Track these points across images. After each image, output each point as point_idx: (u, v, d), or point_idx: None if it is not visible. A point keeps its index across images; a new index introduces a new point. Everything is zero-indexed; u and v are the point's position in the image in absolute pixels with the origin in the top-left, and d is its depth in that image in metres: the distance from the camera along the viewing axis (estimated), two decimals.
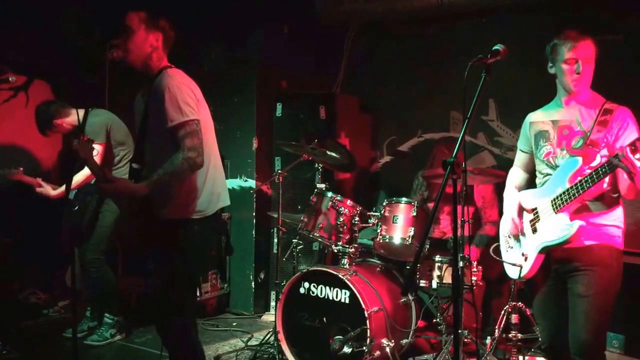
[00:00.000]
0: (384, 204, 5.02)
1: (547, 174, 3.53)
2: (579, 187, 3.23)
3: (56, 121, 5.38)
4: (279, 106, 6.52)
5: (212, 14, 6.41)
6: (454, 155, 2.79)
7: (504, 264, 3.75)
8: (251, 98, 6.57)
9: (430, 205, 5.69)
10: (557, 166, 3.47)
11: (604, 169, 3.13)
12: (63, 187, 5.46)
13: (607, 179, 3.27)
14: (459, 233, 3.25)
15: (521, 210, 3.63)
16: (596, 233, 3.35)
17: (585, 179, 3.20)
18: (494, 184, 5.44)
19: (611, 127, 3.35)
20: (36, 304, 6.12)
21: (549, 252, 3.47)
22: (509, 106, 5.87)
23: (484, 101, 5.94)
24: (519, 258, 3.59)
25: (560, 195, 3.33)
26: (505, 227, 3.78)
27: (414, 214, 4.87)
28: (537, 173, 3.65)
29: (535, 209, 3.52)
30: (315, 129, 6.22)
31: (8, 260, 5.91)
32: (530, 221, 3.55)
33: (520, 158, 3.87)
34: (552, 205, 3.38)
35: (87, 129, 5.18)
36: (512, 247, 3.71)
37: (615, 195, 3.39)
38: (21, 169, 5.49)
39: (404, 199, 4.99)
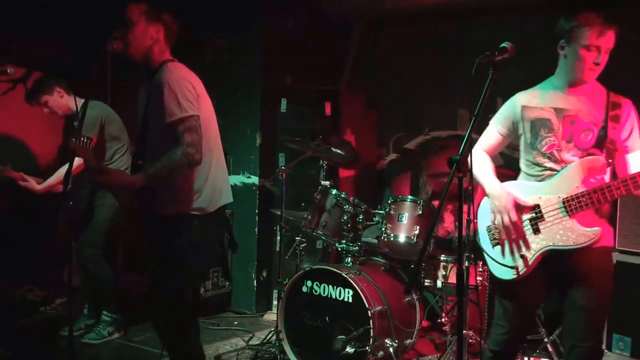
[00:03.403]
0: (389, 201, 4.97)
1: (550, 169, 3.28)
2: (609, 194, 3.09)
3: (43, 97, 5.26)
4: (283, 101, 6.46)
5: (215, 7, 6.35)
6: (460, 153, 2.73)
7: (492, 262, 3.41)
8: (255, 93, 6.50)
9: (435, 203, 5.63)
10: (562, 160, 3.26)
11: None
12: (48, 181, 5.40)
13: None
14: (464, 232, 3.16)
15: (517, 205, 3.31)
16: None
17: (618, 186, 3.07)
18: None
19: (622, 123, 3.23)
20: (33, 301, 6.08)
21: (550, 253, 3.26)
22: None
23: (491, 99, 5.87)
24: (510, 257, 3.33)
25: (578, 197, 3.14)
26: (485, 219, 3.46)
27: (420, 212, 4.82)
28: (529, 163, 3.39)
29: (538, 206, 3.28)
30: (320, 125, 6.17)
31: (4, 256, 5.86)
32: (531, 220, 3.28)
33: (492, 140, 3.56)
34: (566, 207, 3.19)
35: (85, 123, 5.14)
36: (500, 245, 3.36)
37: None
38: (9, 166, 5.42)
39: (409, 197, 4.95)
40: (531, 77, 5.49)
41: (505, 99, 5.85)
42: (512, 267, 3.30)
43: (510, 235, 3.29)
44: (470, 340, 4.70)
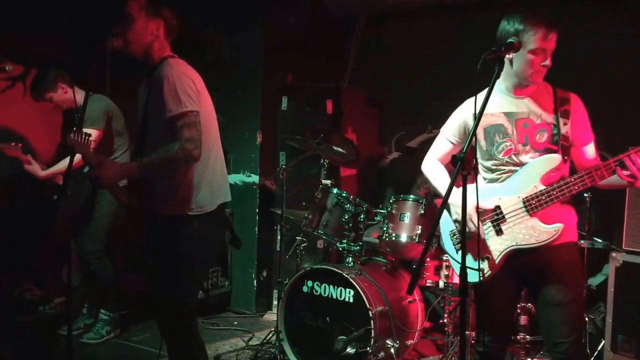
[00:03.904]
0: (391, 201, 4.94)
1: (509, 171, 3.26)
2: (566, 190, 3.09)
3: (47, 94, 5.20)
4: (284, 99, 6.43)
5: (216, 4, 6.32)
6: (464, 150, 2.71)
7: (458, 265, 3.28)
8: (256, 91, 6.47)
9: (438, 201, 5.60)
10: (520, 163, 3.23)
11: (600, 172, 3.03)
12: (52, 169, 5.31)
13: None
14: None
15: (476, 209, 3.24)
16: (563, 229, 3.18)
17: (575, 182, 3.07)
18: None
19: (573, 118, 3.21)
20: (31, 300, 6.02)
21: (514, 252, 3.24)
22: None
23: None
24: (474, 260, 3.29)
25: (538, 195, 3.14)
26: (449, 224, 3.47)
27: (422, 211, 4.79)
28: (487, 170, 3.36)
29: (498, 207, 3.25)
30: (322, 124, 6.15)
31: (2, 255, 5.82)
32: (493, 222, 3.26)
33: (443, 149, 3.55)
34: (526, 206, 3.17)
35: (86, 114, 5.10)
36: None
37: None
38: (20, 144, 5.31)
39: (411, 197, 4.92)
40: None
41: None
42: (477, 270, 3.26)
43: (474, 240, 3.25)
44: (473, 342, 4.66)
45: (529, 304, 4.57)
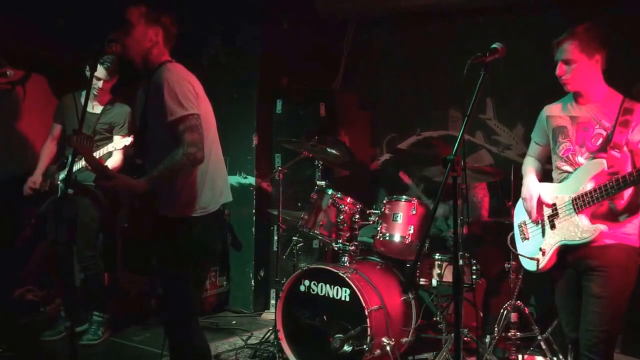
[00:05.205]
0: (384, 201, 5.01)
1: (566, 171, 3.52)
2: (604, 192, 3.26)
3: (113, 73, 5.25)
4: (279, 102, 6.47)
5: (211, 8, 6.37)
6: (453, 152, 2.76)
7: (520, 256, 3.77)
8: (251, 94, 6.53)
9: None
10: (576, 163, 3.47)
11: (632, 178, 3.17)
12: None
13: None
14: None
15: (540, 202, 3.61)
16: (614, 232, 3.36)
17: (612, 184, 3.23)
18: (486, 184, 5.47)
19: (633, 127, 3.34)
20: (33, 301, 6.05)
21: (566, 248, 3.47)
22: (506, 104, 5.88)
23: (481, 100, 5.92)
24: (534, 251, 3.60)
25: (583, 196, 3.35)
26: (521, 215, 3.79)
27: (414, 212, 4.85)
28: (554, 168, 3.64)
29: (554, 204, 3.52)
30: (316, 126, 6.18)
31: (3, 256, 5.86)
32: (549, 216, 3.55)
33: (534, 149, 3.88)
34: (574, 205, 3.40)
35: (117, 119, 5.17)
36: (527, 239, 3.71)
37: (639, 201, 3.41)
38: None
39: (404, 197, 4.98)
40: (521, 78, 5.60)
41: (494, 99, 5.96)
42: (533, 259, 3.58)
43: (535, 221, 3.63)
44: (465, 339, 4.72)
45: (519, 302, 4.67)
